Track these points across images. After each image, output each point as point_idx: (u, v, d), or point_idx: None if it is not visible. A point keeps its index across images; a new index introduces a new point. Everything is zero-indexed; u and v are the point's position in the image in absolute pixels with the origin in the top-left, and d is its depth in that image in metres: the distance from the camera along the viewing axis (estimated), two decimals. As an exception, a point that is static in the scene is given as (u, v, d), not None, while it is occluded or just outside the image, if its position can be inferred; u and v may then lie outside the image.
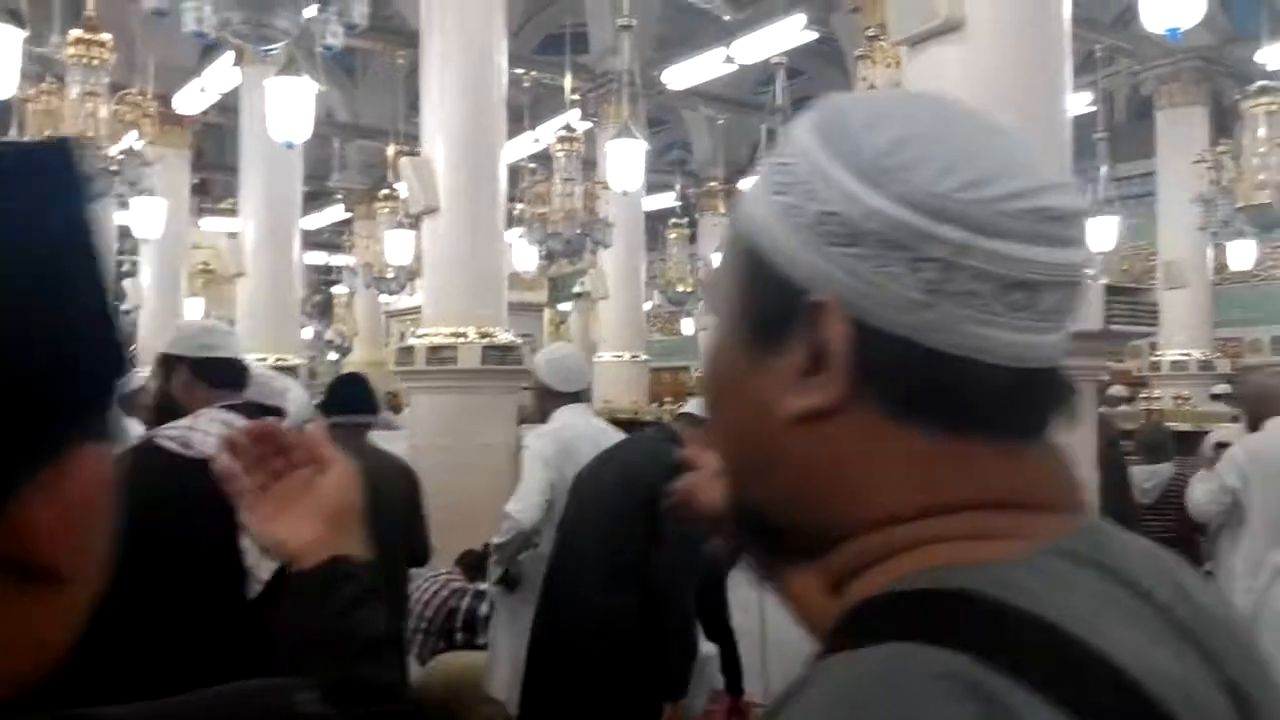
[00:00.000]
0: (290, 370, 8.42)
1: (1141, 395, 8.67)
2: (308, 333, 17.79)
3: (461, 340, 5.65)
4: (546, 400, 3.22)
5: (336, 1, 3.83)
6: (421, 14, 6.00)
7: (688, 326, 17.27)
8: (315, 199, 17.22)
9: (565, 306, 14.72)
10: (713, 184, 13.95)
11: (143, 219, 8.06)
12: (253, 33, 3.70)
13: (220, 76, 9.46)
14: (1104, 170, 10.46)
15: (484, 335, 5.75)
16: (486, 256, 5.83)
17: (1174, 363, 9.99)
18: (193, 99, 10.10)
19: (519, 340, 5.94)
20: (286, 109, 5.18)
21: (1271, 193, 6.91)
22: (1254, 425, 3.79)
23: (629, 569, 2.50)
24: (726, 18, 9.28)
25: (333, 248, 18.51)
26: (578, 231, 8.14)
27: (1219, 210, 7.27)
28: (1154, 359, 10.37)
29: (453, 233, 5.75)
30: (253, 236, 8.48)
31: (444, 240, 5.79)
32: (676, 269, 13.27)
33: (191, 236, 11.87)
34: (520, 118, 11.14)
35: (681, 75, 10.33)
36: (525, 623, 2.74)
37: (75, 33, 6.10)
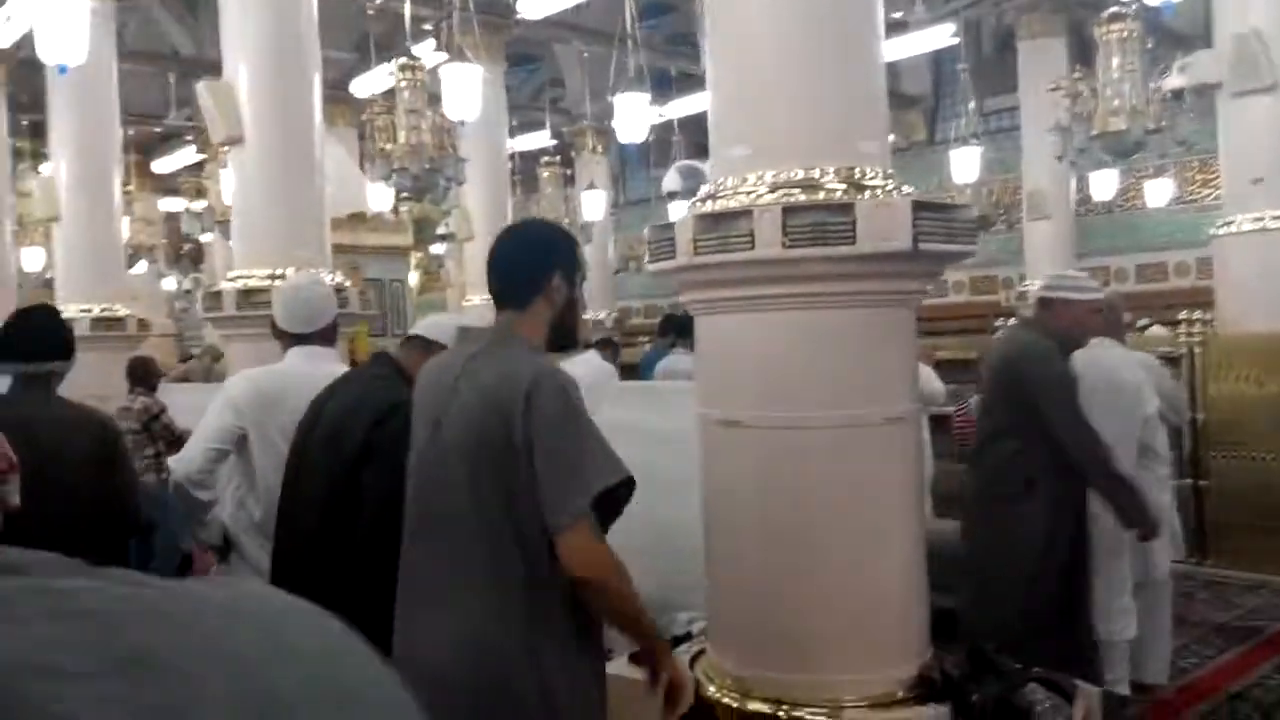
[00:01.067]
0: (118, 321, 7.79)
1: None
2: (171, 283, 16.83)
3: (276, 283, 5.16)
4: (281, 341, 2.81)
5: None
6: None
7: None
8: (167, 140, 16.15)
9: (438, 249, 14.14)
10: (585, 121, 13.45)
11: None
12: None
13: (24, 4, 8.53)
14: (970, 104, 10.39)
15: (304, 278, 5.27)
16: (302, 191, 5.33)
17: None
18: (-1, 31, 9.14)
19: (344, 282, 5.48)
20: (56, 28, 4.55)
21: (1125, 119, 6.84)
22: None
23: (345, 545, 2.15)
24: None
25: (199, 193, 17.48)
26: (426, 167, 7.62)
27: (1075, 138, 7.20)
28: (1021, 290, 10.44)
29: (262, 165, 5.23)
30: (65, 177, 7.70)
31: (252, 173, 5.26)
32: (550, 208, 12.81)
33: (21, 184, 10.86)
34: (375, 47, 10.49)
35: (539, 5, 9.78)
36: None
37: None
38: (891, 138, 9.25)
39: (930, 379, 5.13)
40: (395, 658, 1.70)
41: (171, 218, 16.20)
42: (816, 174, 2.56)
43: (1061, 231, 10.14)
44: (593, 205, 11.51)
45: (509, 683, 1.67)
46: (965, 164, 9.81)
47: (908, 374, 2.73)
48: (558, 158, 12.97)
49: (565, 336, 1.89)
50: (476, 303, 10.22)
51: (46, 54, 4.57)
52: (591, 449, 1.72)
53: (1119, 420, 3.59)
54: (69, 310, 7.54)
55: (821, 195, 2.51)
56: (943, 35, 10.26)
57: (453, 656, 1.69)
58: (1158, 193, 11.42)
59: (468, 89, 6.58)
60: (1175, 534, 4.04)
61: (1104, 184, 10.01)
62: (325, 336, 2.81)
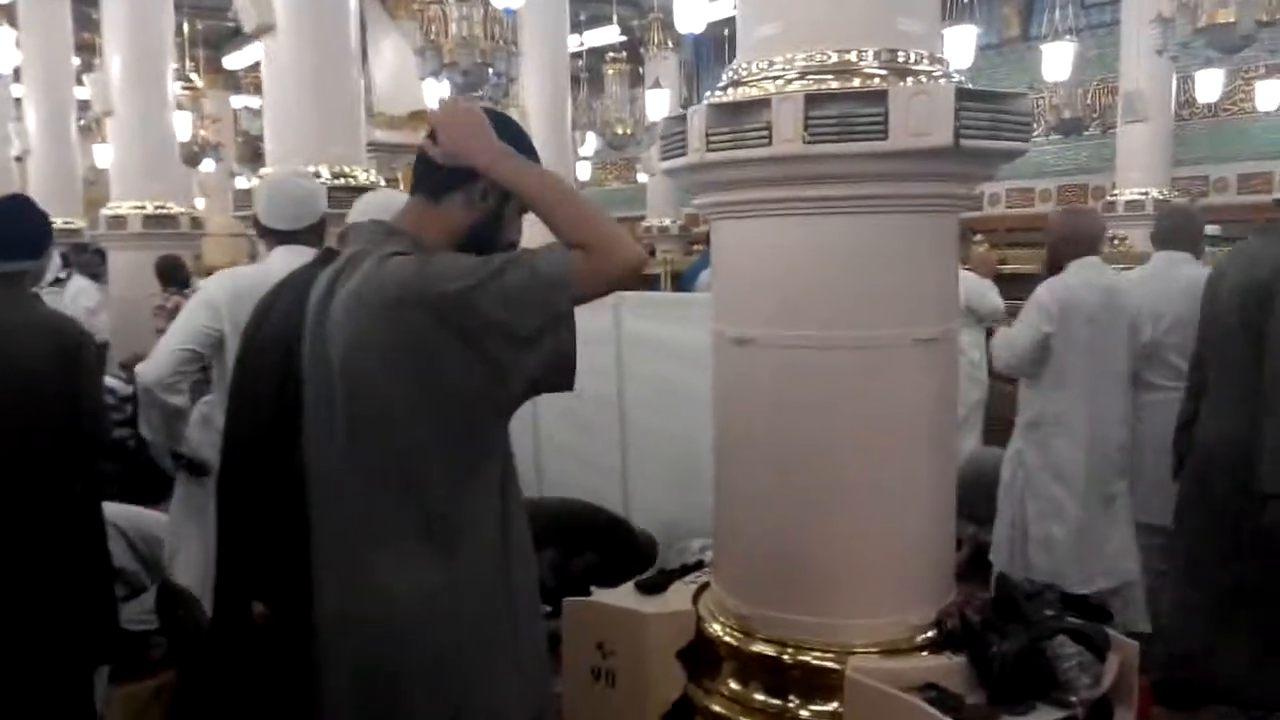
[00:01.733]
0: (171, 219, 7.77)
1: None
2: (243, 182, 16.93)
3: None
4: (266, 240, 2.63)
5: None
6: None
7: (643, 176, 16.48)
8: (240, 35, 16.03)
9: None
10: (654, 14, 12.85)
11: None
12: None
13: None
14: (1068, -7, 9.58)
15: (339, 175, 5.10)
16: (337, 83, 5.11)
17: (1129, 203, 9.40)
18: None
19: (380, 181, 5.30)
20: None
21: (1234, 9, 6.16)
22: (1053, 268, 3.47)
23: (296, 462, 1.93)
24: None
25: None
26: (477, 61, 7.32)
27: (1178, 32, 6.53)
28: (1110, 199, 9.79)
29: (294, 56, 5.02)
30: (117, 72, 7.60)
31: (284, 65, 5.06)
32: (616, 109, 12.41)
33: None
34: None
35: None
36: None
37: None
38: (976, 30, 8.60)
39: (986, 293, 4.74)
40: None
41: (243, 113, 16.20)
42: (853, 57, 2.24)
43: (1159, 136, 9.40)
44: (658, 104, 11.07)
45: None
46: (1058, 61, 9.10)
47: (945, 291, 2.42)
48: (624, 54, 12.47)
49: (478, 252, 1.49)
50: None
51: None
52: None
53: None
54: (121, 207, 7.60)
55: (857, 82, 2.19)
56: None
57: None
58: (1268, 95, 10.49)
59: (515, -24, 6.21)
60: None
61: (1209, 84, 9.21)
62: (313, 234, 2.62)
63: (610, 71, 12.25)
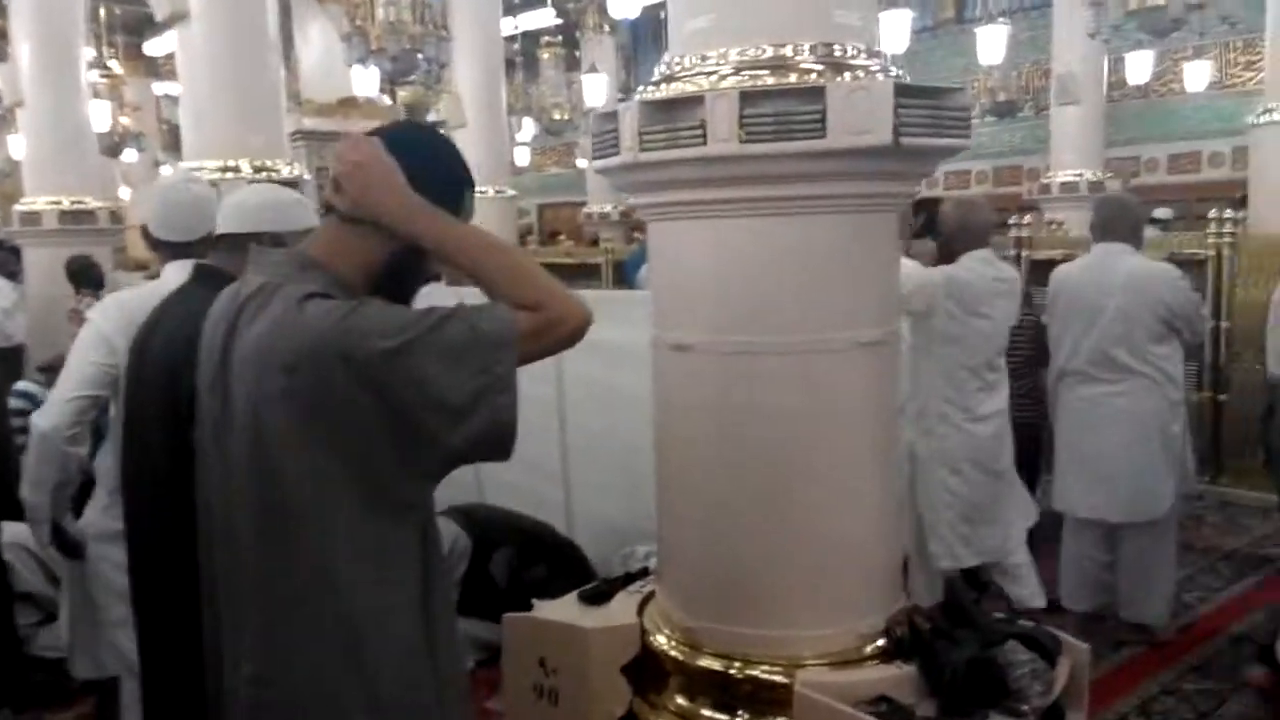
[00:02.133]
0: (88, 214, 7.44)
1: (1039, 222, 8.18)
2: (167, 170, 16.37)
3: (230, 175, 4.79)
4: (158, 254, 2.40)
5: None
6: None
7: (581, 161, 16.29)
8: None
9: (438, 138, 13.58)
10: (590, -2, 12.66)
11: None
12: None
13: None
14: (1000, -24, 9.64)
15: (260, 170, 4.89)
16: (255, 73, 4.90)
17: (1064, 184, 9.51)
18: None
19: (304, 175, 5.10)
20: None
21: (1166, -8, 6.21)
22: (946, 258, 3.53)
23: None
24: None
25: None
26: (405, 47, 7.11)
27: (1109, 14, 6.57)
28: (1044, 181, 9.89)
29: (209, 43, 4.80)
30: (27, 61, 7.24)
31: (198, 53, 4.83)
32: (552, 94, 12.22)
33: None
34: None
35: None
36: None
37: None
38: (911, 15, 8.59)
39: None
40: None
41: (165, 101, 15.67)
42: (789, 51, 2.15)
43: (1091, 118, 9.51)
44: (594, 89, 10.91)
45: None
46: (992, 44, 9.15)
47: (887, 291, 2.36)
48: (560, 37, 12.28)
49: (400, 292, 1.38)
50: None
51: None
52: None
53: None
54: (36, 203, 7.26)
55: (793, 78, 2.11)
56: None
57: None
58: (1196, 76, 10.69)
59: (442, -41, 6.01)
60: (1187, 467, 3.74)
61: (1139, 66, 9.33)
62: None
63: (546, 55, 12.05)
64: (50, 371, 5.54)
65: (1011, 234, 5.75)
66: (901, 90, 2.07)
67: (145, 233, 2.43)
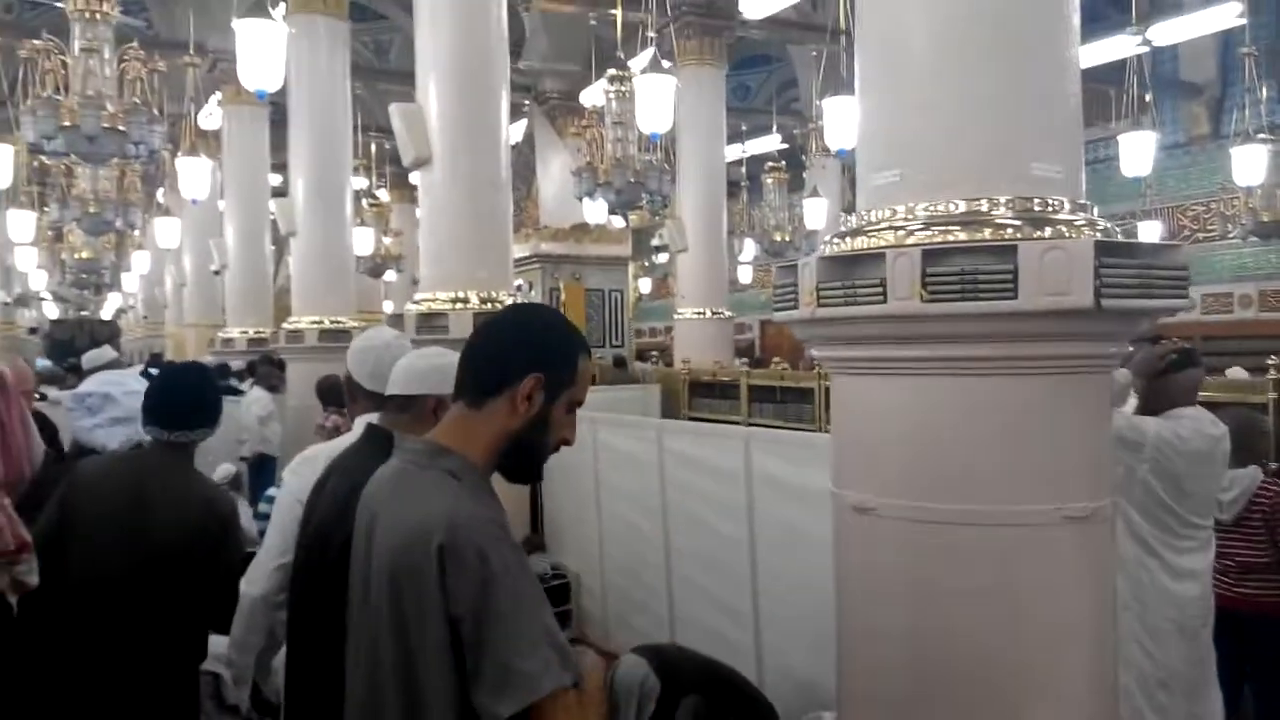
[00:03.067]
0: (344, 333, 8.15)
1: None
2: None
3: (457, 307, 5.14)
4: (353, 408, 2.40)
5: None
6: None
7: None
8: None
9: (663, 259, 14.07)
10: (814, 124, 12.84)
11: (190, 180, 7.86)
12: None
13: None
14: (1262, 94, 8.92)
15: (486, 300, 5.21)
16: (487, 212, 5.28)
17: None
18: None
19: (533, 295, 5.38)
20: (255, 57, 4.70)
21: None
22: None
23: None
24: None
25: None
26: (630, 181, 7.45)
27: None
28: None
29: (448, 187, 5.22)
30: (301, 194, 8.17)
31: (438, 196, 5.26)
32: (774, 216, 12.39)
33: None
34: (597, 57, 10.49)
35: (762, 4, 9.38)
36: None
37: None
38: (1156, 136, 8.09)
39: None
40: None
41: (422, 226, 17.17)
42: (983, 205, 2.05)
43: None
44: (815, 213, 10.96)
45: None
46: (1250, 163, 8.44)
47: (1098, 460, 2.14)
48: (783, 163, 12.50)
49: (523, 465, 1.45)
50: (687, 316, 9.99)
51: (247, 80, 4.74)
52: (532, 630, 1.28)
53: None
54: (300, 322, 8.06)
55: (986, 233, 2.00)
56: (1228, 15, 8.90)
57: None
58: None
59: (661, 99, 6.30)
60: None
61: None
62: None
63: (770, 180, 12.27)
64: (297, 478, 6.06)
65: (1271, 375, 5.11)
66: (1105, 249, 1.91)
67: (348, 380, 2.45)
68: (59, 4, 8.52)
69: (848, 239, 2.21)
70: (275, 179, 11.22)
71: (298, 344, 8.03)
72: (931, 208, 2.09)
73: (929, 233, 2.05)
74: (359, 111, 9.58)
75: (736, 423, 7.48)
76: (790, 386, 7.70)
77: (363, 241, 12.37)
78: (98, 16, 5.63)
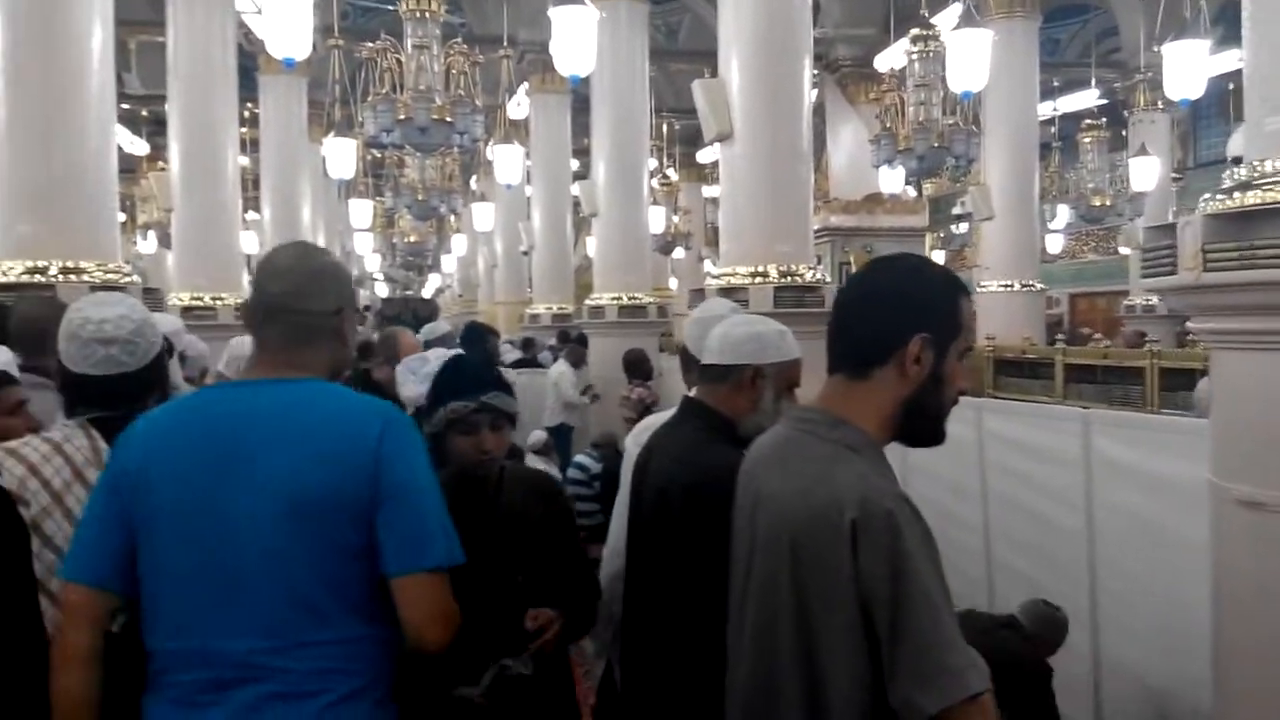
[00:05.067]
0: (641, 309, 8.40)
1: None
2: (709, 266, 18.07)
3: (757, 281, 5.09)
4: (689, 372, 2.30)
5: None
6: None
7: (1124, 249, 14.88)
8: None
9: (963, 228, 13.32)
10: (1142, 75, 11.60)
11: (504, 166, 8.40)
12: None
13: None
14: None
15: (786, 274, 5.14)
16: (787, 185, 5.18)
17: None
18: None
19: (826, 280, 5.23)
20: (281, 25, 4.87)
21: None
22: None
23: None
24: None
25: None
26: (934, 146, 7.08)
27: None
28: None
29: (749, 161, 5.17)
30: (602, 176, 8.48)
31: (739, 170, 5.23)
32: (1092, 179, 11.36)
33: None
34: (895, 19, 10.06)
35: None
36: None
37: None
38: None
39: None
40: None
41: (709, 204, 17.39)
42: None
43: None
44: (1143, 173, 9.90)
45: None
46: None
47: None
48: (1103, 120, 11.40)
49: (925, 429, 1.35)
50: (993, 289, 9.38)
51: (562, 66, 4.93)
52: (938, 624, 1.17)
53: None
54: (601, 298, 8.39)
55: None
56: None
57: None
58: None
59: (976, 56, 5.89)
60: None
61: None
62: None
63: (1087, 139, 11.24)
64: (601, 448, 6.32)
65: None
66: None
67: (683, 351, 2.40)
68: (390, 7, 9.37)
69: (1237, 194, 1.91)
70: (573, 163, 11.79)
71: (599, 319, 8.37)
72: (1351, 152, 1.76)
73: (1345, 182, 1.73)
74: (653, 93, 9.82)
75: (1050, 404, 6.93)
76: (1114, 366, 7.02)
77: (655, 220, 12.70)
78: (427, 15, 6.10)
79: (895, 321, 1.30)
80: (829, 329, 1.37)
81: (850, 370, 1.34)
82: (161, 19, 8.11)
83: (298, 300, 1.48)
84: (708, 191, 17.49)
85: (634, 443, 2.42)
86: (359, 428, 1.41)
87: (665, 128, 14.44)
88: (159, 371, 1.82)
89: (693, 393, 2.13)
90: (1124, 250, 15.05)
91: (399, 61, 6.05)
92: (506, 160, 8.89)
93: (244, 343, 2.21)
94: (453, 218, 15.10)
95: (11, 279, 4.15)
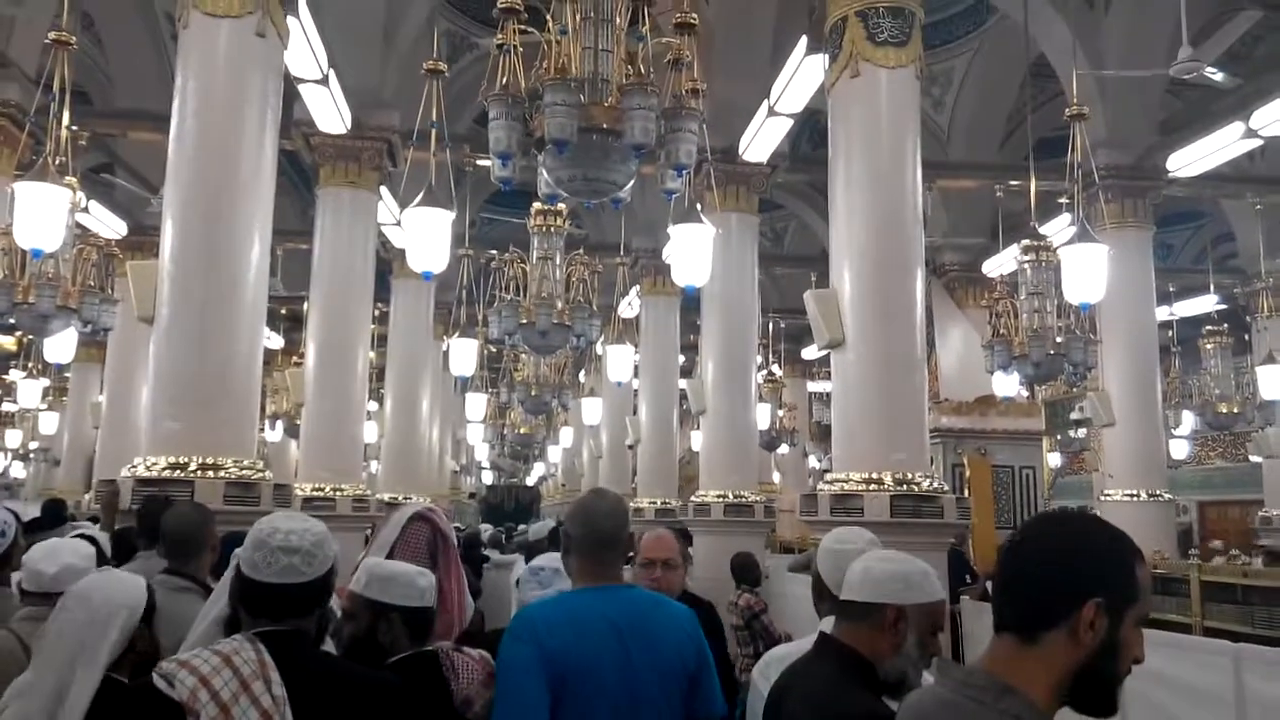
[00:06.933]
0: (747, 508, 8.32)
1: None
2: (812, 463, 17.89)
3: (872, 488, 5.01)
4: (821, 600, 2.24)
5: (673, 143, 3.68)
6: (830, 137, 5.66)
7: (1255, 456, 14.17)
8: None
9: (1080, 433, 12.94)
10: (1263, 283, 11.42)
11: (615, 364, 8.66)
12: (585, 188, 3.68)
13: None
14: None
15: (901, 482, 5.05)
16: (901, 391, 5.17)
17: None
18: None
19: (943, 489, 5.11)
20: (422, 243, 5.12)
21: None
22: None
23: None
24: (1225, 85, 7.60)
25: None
26: (1050, 353, 6.99)
27: None
28: None
29: (861, 369, 5.21)
30: (711, 375, 8.63)
31: (850, 377, 5.26)
32: (1217, 384, 10.99)
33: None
34: (1003, 227, 10.22)
35: (1194, 159, 8.66)
36: None
37: (536, 205, 6.71)
38: None
39: None
40: None
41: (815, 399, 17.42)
42: None
43: None
44: (1271, 381, 9.55)
45: None
46: None
47: None
48: (1224, 325, 11.16)
49: (1098, 699, 1.26)
50: (1117, 497, 8.99)
51: (679, 278, 5.13)
52: None
53: None
54: (707, 495, 8.35)
55: None
56: None
57: None
58: None
59: (1092, 269, 5.90)
60: None
61: None
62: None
63: (1209, 345, 10.97)
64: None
65: None
66: None
67: (816, 578, 2.34)
68: (515, 220, 10.00)
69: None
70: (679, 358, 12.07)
71: (704, 516, 8.31)
72: None
73: None
74: (759, 294, 10.09)
75: (1183, 626, 6.45)
76: (1261, 586, 6.54)
77: (761, 417, 12.75)
78: (553, 230, 6.48)
79: (1065, 585, 1.25)
80: (994, 586, 1.33)
81: (1018, 632, 1.28)
82: (307, 228, 8.84)
83: (622, 532, 2.22)
84: (812, 386, 17.55)
85: (761, 676, 2.34)
86: (687, 618, 2.21)
87: (771, 326, 14.72)
88: (328, 584, 1.88)
89: (828, 627, 2.06)
90: (1254, 459, 14.32)
91: (524, 270, 6.40)
92: (617, 359, 9.16)
93: (381, 563, 2.34)
94: (562, 411, 15.47)
95: (154, 474, 4.38)
